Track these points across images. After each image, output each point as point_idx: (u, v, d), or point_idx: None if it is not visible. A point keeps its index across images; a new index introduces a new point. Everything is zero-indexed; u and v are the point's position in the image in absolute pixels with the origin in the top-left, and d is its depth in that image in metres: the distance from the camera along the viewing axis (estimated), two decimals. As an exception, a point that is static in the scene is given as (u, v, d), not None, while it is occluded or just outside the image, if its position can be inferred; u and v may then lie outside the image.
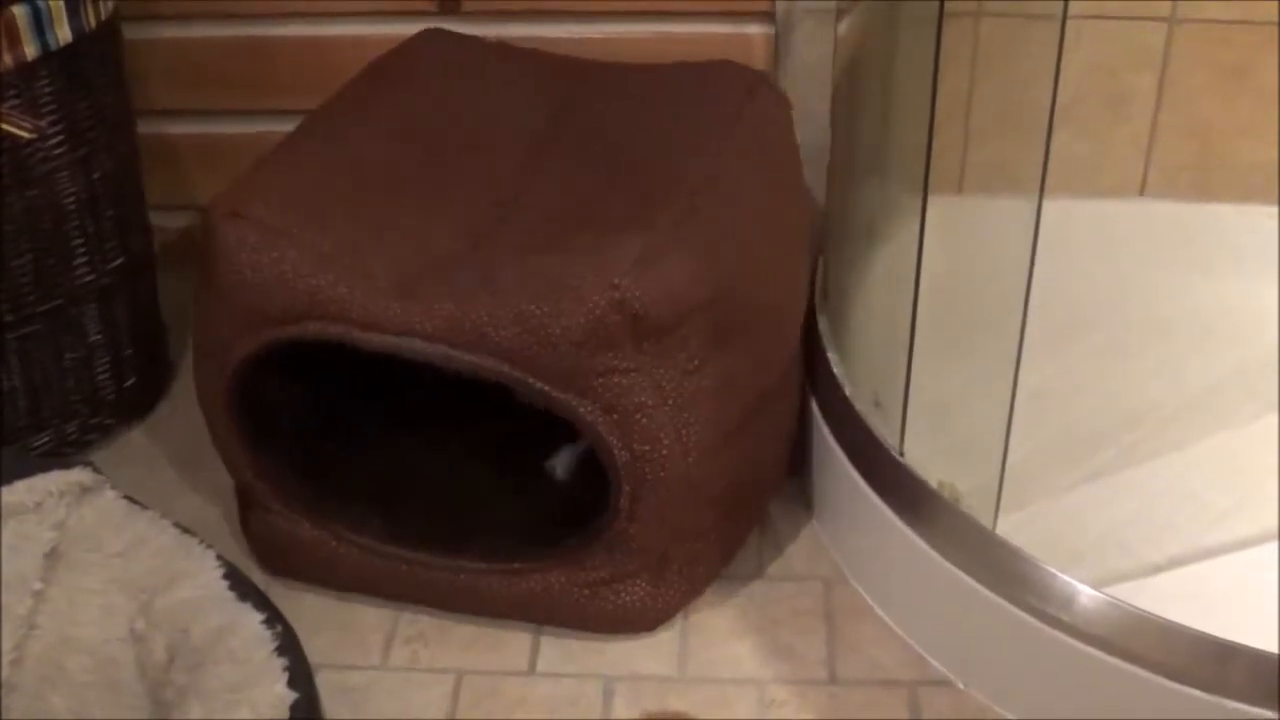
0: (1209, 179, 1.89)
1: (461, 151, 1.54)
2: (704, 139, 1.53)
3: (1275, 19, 1.79)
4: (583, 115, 1.61)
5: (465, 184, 1.50)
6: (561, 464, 1.55)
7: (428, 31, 1.76)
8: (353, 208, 1.43)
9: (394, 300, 1.35)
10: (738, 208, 1.47)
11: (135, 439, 1.75)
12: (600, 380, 1.32)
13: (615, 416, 1.33)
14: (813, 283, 1.68)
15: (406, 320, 1.34)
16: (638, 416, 1.33)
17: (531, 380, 1.33)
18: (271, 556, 1.56)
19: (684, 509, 1.41)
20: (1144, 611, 1.27)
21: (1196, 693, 1.25)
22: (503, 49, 1.74)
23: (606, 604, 1.46)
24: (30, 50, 1.48)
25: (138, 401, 1.77)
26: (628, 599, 1.46)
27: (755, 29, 1.81)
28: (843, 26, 1.69)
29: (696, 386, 1.35)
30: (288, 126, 1.60)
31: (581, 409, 1.33)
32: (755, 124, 1.60)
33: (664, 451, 1.35)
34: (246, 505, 1.56)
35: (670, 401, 1.34)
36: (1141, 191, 1.92)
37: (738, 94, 1.62)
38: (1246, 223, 1.86)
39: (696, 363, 1.35)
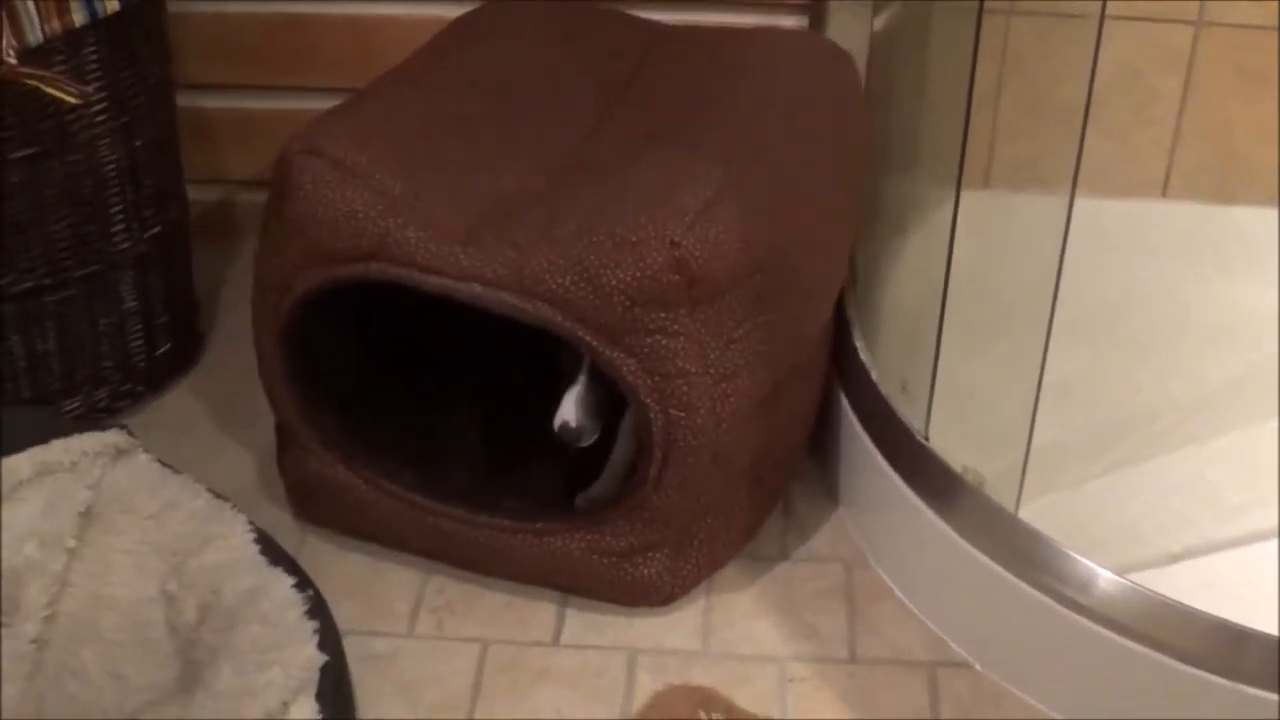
0: (1230, 182, 1.91)
1: (536, 100, 1.57)
2: (774, 105, 1.54)
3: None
4: (659, 70, 1.63)
5: (537, 130, 1.52)
6: (568, 413, 1.48)
7: None
8: (425, 152, 1.46)
9: (458, 246, 1.37)
10: (795, 176, 1.49)
11: (165, 407, 1.77)
12: (648, 339, 1.34)
13: (657, 379, 1.36)
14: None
15: (469, 265, 1.37)
16: (679, 382, 1.36)
17: (582, 332, 1.35)
18: (303, 498, 1.59)
19: (709, 480, 1.43)
20: (1162, 596, 1.30)
21: (1211, 676, 1.28)
22: (583, 7, 1.76)
23: (626, 575, 1.48)
24: (78, 18, 1.51)
25: (169, 370, 1.79)
26: (648, 571, 1.48)
27: (790, 20, 1.83)
28: (878, 21, 1.71)
29: (738, 356, 1.38)
30: (323, 104, 1.61)
31: (625, 368, 1.36)
32: (825, 92, 1.61)
33: (699, 420, 1.37)
34: (284, 446, 1.59)
35: (712, 370, 1.36)
36: (1164, 192, 1.94)
37: (811, 62, 1.64)
38: (1267, 225, 1.87)
39: (741, 331, 1.37)
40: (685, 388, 1.36)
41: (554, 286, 1.35)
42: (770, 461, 1.52)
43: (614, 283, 1.33)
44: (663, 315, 1.34)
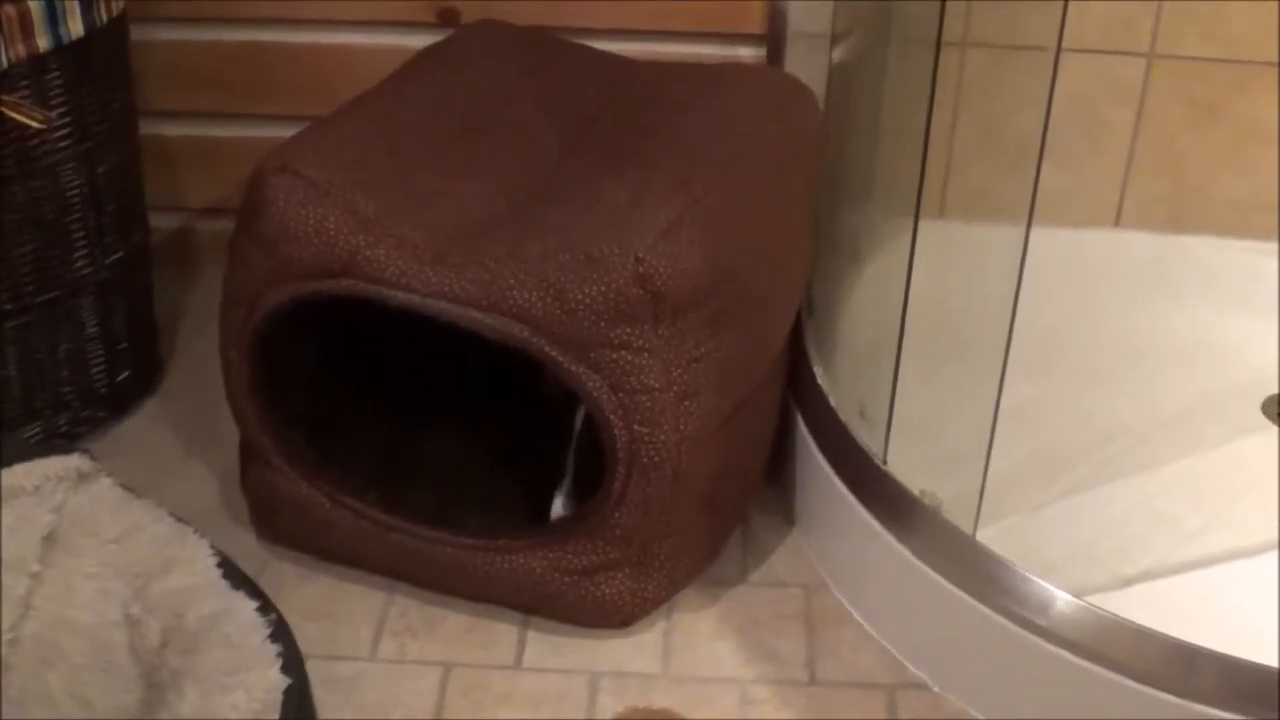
0: (1182, 211, 1.94)
1: (503, 129, 1.60)
2: (733, 135, 1.57)
3: (1249, 57, 1.84)
4: (624, 103, 1.66)
5: (506, 155, 1.55)
6: (560, 509, 1.57)
7: (482, 21, 1.81)
8: (396, 175, 1.48)
9: (427, 264, 1.40)
10: (752, 203, 1.52)
11: (126, 433, 1.77)
12: (613, 355, 1.37)
13: (621, 396, 1.38)
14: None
15: (438, 283, 1.39)
16: (643, 398, 1.38)
17: (548, 348, 1.37)
18: (266, 517, 1.60)
19: (671, 499, 1.44)
20: (1118, 617, 1.31)
21: (1166, 696, 1.29)
22: (554, 40, 1.80)
23: (588, 594, 1.49)
24: (42, 43, 1.51)
25: (130, 396, 1.79)
26: (608, 590, 1.49)
27: (747, 51, 1.86)
28: (836, 53, 1.73)
29: (699, 374, 1.40)
30: (284, 131, 1.62)
31: (590, 383, 1.38)
32: (784, 122, 1.64)
33: (662, 436, 1.39)
34: (247, 464, 1.60)
35: (675, 387, 1.38)
36: (1116, 222, 1.97)
37: (772, 94, 1.67)
38: (1218, 255, 1.91)
39: (702, 350, 1.40)
40: (649, 404, 1.38)
41: (521, 302, 1.37)
42: (729, 484, 1.54)
43: (580, 298, 1.35)
44: (627, 330, 1.36)
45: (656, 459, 1.40)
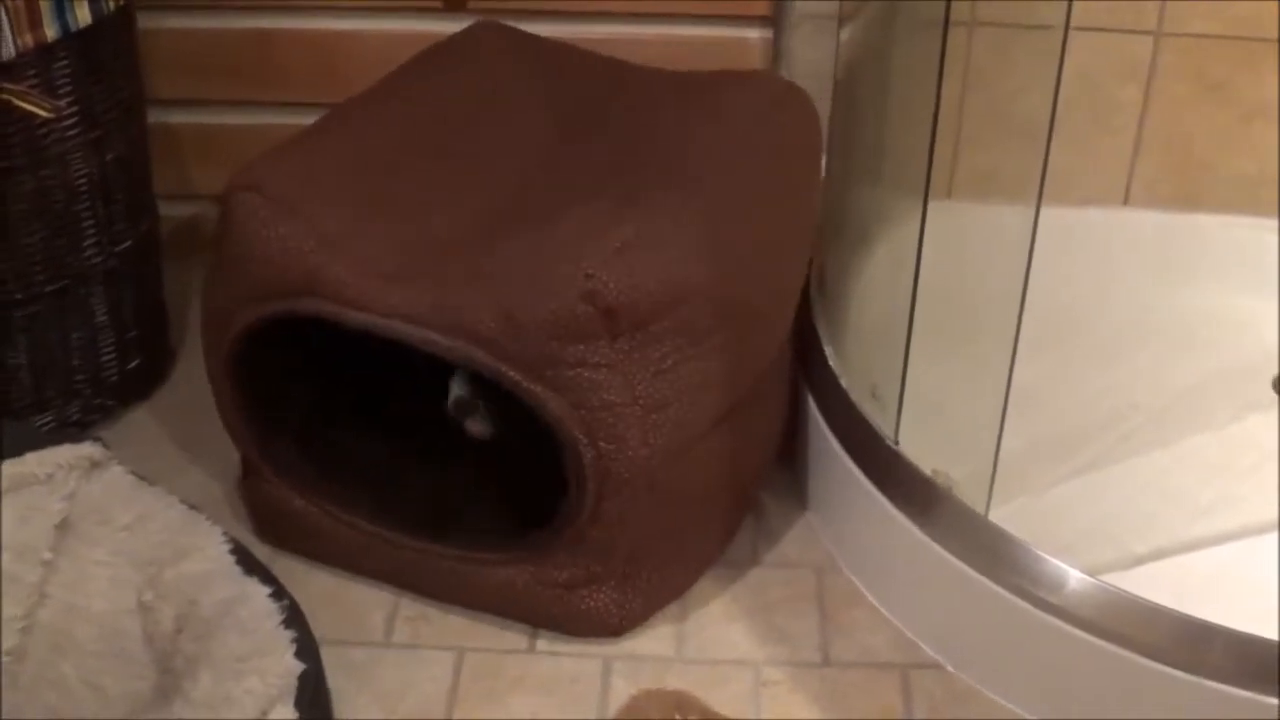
0: (1191, 189, 1.93)
1: (486, 142, 1.58)
2: (721, 147, 1.55)
3: (1257, 34, 1.83)
4: (616, 115, 1.63)
5: (482, 173, 1.53)
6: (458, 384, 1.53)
7: (483, 24, 1.78)
8: (366, 192, 1.47)
9: (385, 283, 1.39)
10: (736, 208, 1.49)
11: (135, 421, 1.77)
12: (571, 373, 1.35)
13: (583, 413, 1.36)
14: (806, 284, 1.71)
15: (395, 303, 1.39)
16: (604, 414, 1.36)
17: (505, 368, 1.36)
18: (264, 524, 1.60)
19: (649, 512, 1.43)
20: (1131, 595, 1.32)
21: (1178, 673, 1.30)
22: (553, 46, 1.77)
23: (572, 607, 1.48)
24: (50, 31, 1.51)
25: (139, 385, 1.79)
26: (593, 604, 1.48)
27: (753, 33, 1.85)
28: (844, 33, 1.73)
29: (668, 387, 1.38)
30: (289, 119, 1.62)
31: (550, 403, 1.36)
32: (776, 131, 1.61)
33: (629, 452, 1.37)
34: (246, 472, 1.61)
35: (641, 401, 1.36)
36: (1125, 201, 1.96)
37: (765, 103, 1.64)
38: (1226, 232, 1.91)
39: (670, 362, 1.38)
40: (612, 420, 1.36)
41: (474, 324, 1.36)
42: (726, 488, 1.53)
43: (530, 318, 1.34)
44: (581, 348, 1.34)
45: (626, 474, 1.38)
